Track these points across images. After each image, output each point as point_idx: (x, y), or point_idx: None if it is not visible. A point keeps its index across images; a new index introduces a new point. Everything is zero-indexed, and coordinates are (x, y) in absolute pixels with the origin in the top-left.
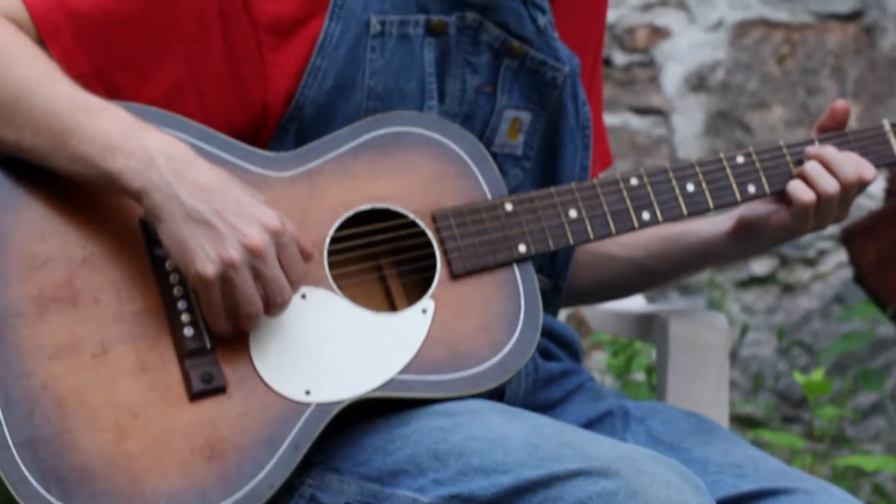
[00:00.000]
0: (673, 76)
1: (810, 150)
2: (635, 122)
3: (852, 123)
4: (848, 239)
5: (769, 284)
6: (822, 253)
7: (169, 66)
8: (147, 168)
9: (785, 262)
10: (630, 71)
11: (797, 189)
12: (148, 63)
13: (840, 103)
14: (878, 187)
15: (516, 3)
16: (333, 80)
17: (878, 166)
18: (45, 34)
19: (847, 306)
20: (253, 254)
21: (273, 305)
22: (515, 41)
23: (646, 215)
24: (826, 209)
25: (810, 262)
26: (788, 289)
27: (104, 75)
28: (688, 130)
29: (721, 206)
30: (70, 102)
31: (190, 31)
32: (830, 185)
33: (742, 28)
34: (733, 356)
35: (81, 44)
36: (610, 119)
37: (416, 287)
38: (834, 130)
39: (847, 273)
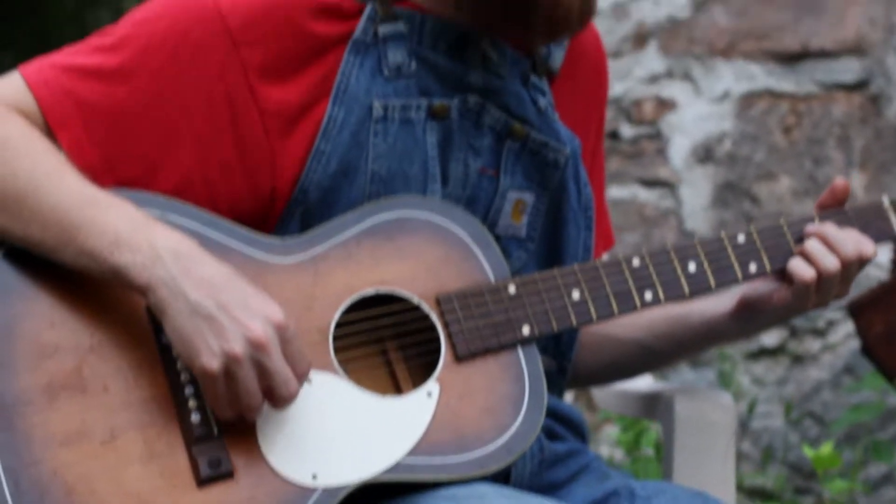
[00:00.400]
0: (680, 148)
1: (810, 227)
2: (643, 194)
3: (859, 192)
4: (855, 311)
5: (779, 355)
6: (831, 324)
7: (178, 155)
8: (153, 263)
9: (794, 332)
10: (637, 143)
11: (798, 267)
12: (158, 153)
13: (839, 181)
14: (885, 258)
15: (517, 85)
16: (337, 163)
17: (878, 242)
18: (55, 125)
19: (857, 377)
20: (256, 347)
21: (279, 399)
22: (517, 123)
23: (648, 295)
24: (827, 286)
25: (820, 333)
26: (798, 360)
27: (114, 166)
28: (695, 202)
29: (723, 285)
30: (78, 197)
31: (198, 119)
32: (831, 263)
33: (748, 99)
34: (744, 428)
35: (91, 134)
36: (617, 191)
37: (421, 370)
38: (834, 208)
39: (857, 343)
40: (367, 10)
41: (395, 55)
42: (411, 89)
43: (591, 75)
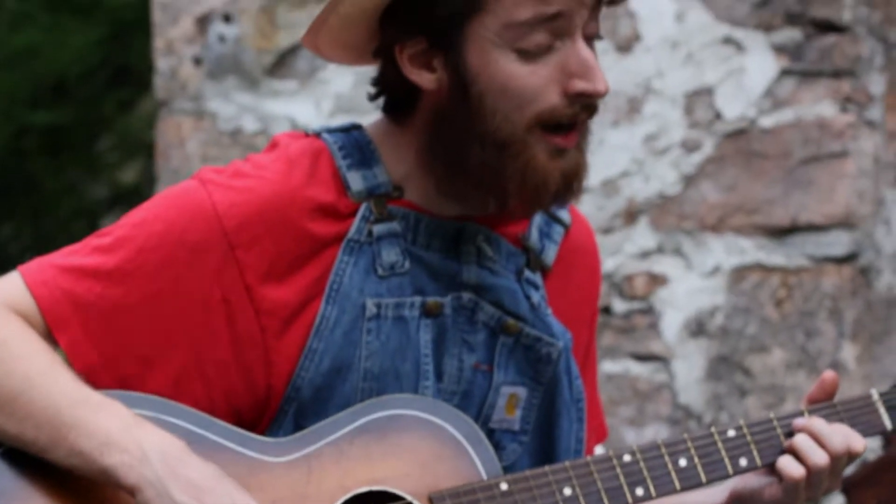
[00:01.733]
0: (672, 322)
1: (799, 422)
2: (636, 368)
3: (851, 364)
4: (847, 488)
5: None
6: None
7: (175, 354)
8: (141, 464)
9: None
10: (629, 318)
11: (787, 465)
12: (154, 352)
13: (828, 375)
14: None
15: (511, 281)
16: (330, 362)
17: (867, 436)
18: (53, 325)
19: None
20: None
21: None
22: (510, 319)
23: (639, 491)
24: (817, 481)
25: None
26: None
27: (112, 365)
28: (689, 376)
29: (714, 480)
30: (70, 397)
31: (195, 319)
32: (820, 458)
33: (739, 273)
34: None
35: (89, 334)
36: (610, 366)
37: None
38: (823, 401)
39: None
40: (362, 209)
41: (389, 254)
42: (405, 287)
43: (584, 272)
